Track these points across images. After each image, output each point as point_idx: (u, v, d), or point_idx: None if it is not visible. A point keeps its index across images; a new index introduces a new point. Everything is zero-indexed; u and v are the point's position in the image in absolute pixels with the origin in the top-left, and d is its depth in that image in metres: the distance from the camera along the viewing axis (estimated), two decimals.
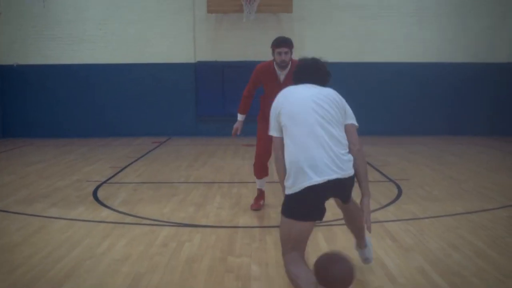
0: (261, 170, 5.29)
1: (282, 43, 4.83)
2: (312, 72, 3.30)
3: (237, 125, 5.29)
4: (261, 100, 5.12)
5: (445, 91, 12.52)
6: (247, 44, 12.25)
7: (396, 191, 6.18)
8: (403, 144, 11.06)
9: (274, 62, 4.91)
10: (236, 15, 11.98)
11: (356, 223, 3.39)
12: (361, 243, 3.53)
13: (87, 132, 12.23)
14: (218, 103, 12.34)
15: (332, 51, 12.32)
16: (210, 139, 11.62)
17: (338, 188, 2.96)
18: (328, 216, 5.00)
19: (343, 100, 3.22)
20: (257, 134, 5.20)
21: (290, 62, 4.86)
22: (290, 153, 2.92)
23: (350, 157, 2.98)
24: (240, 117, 5.31)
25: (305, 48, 12.35)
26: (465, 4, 12.38)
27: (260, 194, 5.46)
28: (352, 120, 3.20)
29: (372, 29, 12.39)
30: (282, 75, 4.91)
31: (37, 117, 12.31)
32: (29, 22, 12.12)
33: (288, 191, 2.90)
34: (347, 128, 3.11)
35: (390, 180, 6.89)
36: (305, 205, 2.87)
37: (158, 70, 12.31)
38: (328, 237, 4.39)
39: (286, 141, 2.98)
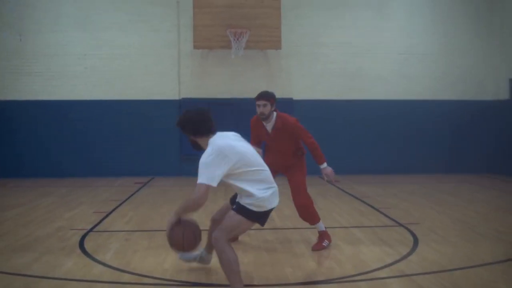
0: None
1: (260, 97, 5.12)
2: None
3: None
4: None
5: (433, 128, 12.41)
6: (234, 80, 11.93)
7: (411, 237, 5.75)
8: (395, 183, 10.75)
9: None
10: (222, 51, 11.68)
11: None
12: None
13: (65, 172, 11.52)
14: None
15: (320, 88, 12.20)
16: (196, 179, 11.04)
17: None
18: (349, 270, 4.54)
19: None
20: None
21: (275, 115, 5.20)
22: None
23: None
24: None
25: (293, 85, 12.18)
26: (452, 42, 12.44)
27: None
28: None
29: (360, 67, 12.27)
30: (268, 126, 5.24)
31: (11, 156, 11.55)
32: (5, 56, 11.53)
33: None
34: None
35: (400, 224, 6.47)
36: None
37: (141, 107, 11.82)
38: None
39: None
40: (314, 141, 5.19)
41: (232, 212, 3.76)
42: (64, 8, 11.68)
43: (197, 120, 3.77)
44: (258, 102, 5.10)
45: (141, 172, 11.65)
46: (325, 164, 5.19)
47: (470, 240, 5.68)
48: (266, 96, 5.11)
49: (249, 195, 3.67)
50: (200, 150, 3.82)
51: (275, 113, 5.18)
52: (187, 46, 11.80)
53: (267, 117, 5.11)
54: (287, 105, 10.76)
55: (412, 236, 5.82)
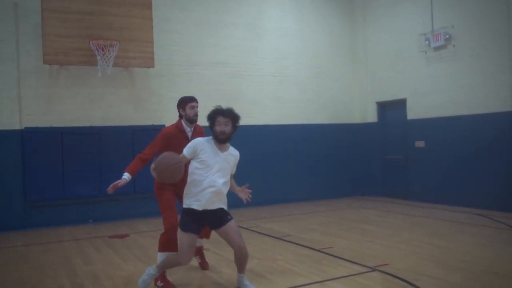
0: (175, 244, 4.83)
1: (194, 99, 5.16)
2: None
3: (121, 182, 4.60)
4: None
5: (308, 153, 11.97)
6: (93, 105, 9.73)
7: (407, 285, 4.73)
8: (292, 215, 9.84)
9: (184, 120, 5.12)
10: (78, 68, 9.44)
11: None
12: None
13: None
14: (56, 182, 9.29)
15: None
16: (53, 232, 8.51)
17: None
18: None
19: None
20: (162, 205, 4.96)
21: None
22: None
23: None
24: (127, 176, 4.69)
25: (165, 108, 10.41)
26: (321, 66, 12.28)
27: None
28: None
29: (236, 89, 11.23)
30: (190, 131, 5.13)
31: None
32: None
33: None
34: None
35: (372, 268, 5.43)
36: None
37: None
38: None
39: None
40: None
41: (232, 222, 4.57)
42: None
43: None
44: (192, 104, 5.09)
45: None
46: None
47: (466, 277, 4.93)
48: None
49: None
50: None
51: None
52: (30, 61, 9.19)
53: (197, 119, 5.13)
54: (157, 133, 9.02)
55: (406, 283, 4.82)
